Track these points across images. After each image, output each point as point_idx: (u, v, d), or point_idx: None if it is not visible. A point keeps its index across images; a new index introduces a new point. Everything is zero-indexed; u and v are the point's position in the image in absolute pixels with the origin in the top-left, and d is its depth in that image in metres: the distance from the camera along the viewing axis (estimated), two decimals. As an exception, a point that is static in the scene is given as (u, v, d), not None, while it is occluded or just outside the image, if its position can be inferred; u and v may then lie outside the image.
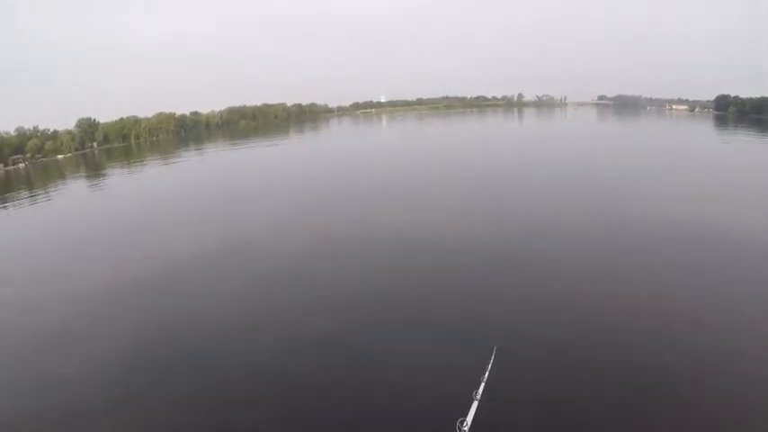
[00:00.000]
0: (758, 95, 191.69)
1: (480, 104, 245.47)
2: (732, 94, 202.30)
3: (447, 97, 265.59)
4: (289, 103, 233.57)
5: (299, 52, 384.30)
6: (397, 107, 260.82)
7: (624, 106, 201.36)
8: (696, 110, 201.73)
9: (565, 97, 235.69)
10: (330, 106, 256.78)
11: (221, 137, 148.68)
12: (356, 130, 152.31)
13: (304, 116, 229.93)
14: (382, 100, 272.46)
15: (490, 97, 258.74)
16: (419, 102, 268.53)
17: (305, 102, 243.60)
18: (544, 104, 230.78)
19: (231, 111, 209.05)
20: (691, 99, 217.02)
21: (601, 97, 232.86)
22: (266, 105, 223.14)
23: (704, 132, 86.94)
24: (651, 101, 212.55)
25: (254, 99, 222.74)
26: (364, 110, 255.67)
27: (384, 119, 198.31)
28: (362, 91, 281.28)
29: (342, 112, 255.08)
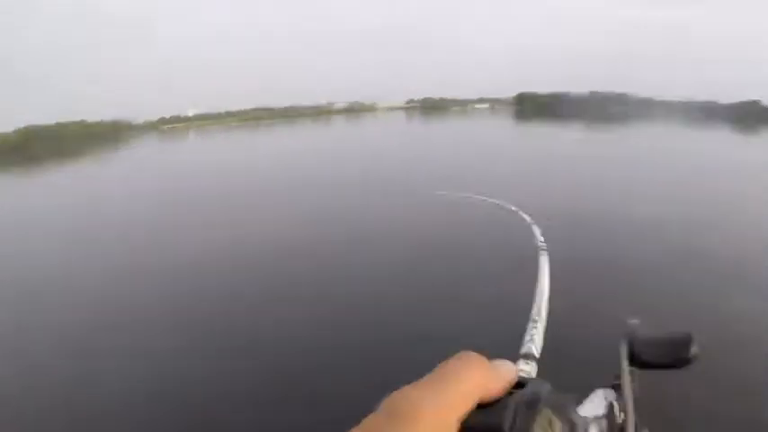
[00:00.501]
0: (553, 91, 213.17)
1: (290, 114, 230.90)
2: (530, 92, 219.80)
3: (256, 109, 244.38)
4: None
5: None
6: (206, 120, 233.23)
7: (432, 108, 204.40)
8: (497, 107, 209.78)
9: (375, 102, 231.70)
10: (134, 123, 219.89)
11: None
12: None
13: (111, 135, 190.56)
14: (190, 114, 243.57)
15: (300, 106, 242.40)
16: (228, 114, 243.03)
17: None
18: (354, 110, 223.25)
19: None
20: (493, 97, 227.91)
21: (409, 101, 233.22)
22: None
23: (497, 126, 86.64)
24: (456, 101, 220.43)
25: None
26: (171, 125, 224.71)
27: (191, 135, 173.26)
28: (170, 103, 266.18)
29: (145, 128, 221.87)
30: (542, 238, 2.14)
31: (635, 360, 0.94)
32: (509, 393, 0.47)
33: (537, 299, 1.43)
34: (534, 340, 1.16)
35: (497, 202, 3.50)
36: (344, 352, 8.49)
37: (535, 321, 1.24)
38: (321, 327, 9.89)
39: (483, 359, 0.46)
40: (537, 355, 1.08)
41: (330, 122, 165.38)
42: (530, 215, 2.69)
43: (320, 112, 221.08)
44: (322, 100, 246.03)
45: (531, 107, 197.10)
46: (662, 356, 0.91)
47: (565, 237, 11.71)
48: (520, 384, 0.48)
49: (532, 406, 0.45)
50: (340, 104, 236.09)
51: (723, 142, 55.43)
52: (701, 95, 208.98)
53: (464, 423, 0.42)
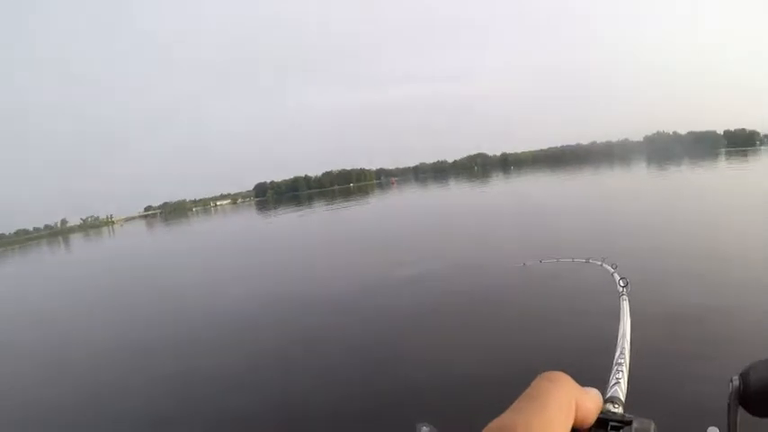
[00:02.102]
0: (290, 177, 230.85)
1: (21, 240, 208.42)
2: (269, 181, 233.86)
3: None
4: None
5: None
6: None
7: (171, 212, 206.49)
8: (239, 201, 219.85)
9: (111, 215, 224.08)
10: None
11: None
12: None
13: None
14: None
15: (32, 229, 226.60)
16: None
17: None
18: (90, 226, 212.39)
19: None
20: (233, 192, 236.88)
21: (147, 208, 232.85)
22: None
23: (248, 217, 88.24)
24: (196, 202, 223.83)
25: None
26: None
27: None
28: None
29: None
30: (623, 284, 2.19)
31: (747, 404, 0.80)
32: (603, 427, 0.44)
33: (620, 342, 1.40)
34: (620, 384, 1.12)
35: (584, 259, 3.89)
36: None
37: (619, 365, 1.20)
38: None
39: (572, 380, 0.43)
40: (623, 399, 1.03)
41: (66, 242, 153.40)
42: (612, 264, 2.82)
43: (54, 233, 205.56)
44: (54, 219, 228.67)
45: (273, 195, 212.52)
46: None
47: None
48: (619, 423, 0.45)
49: None
50: (74, 222, 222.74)
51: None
52: (433, 157, 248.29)
53: None
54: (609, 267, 3.18)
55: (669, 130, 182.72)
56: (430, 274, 15.10)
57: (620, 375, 1.17)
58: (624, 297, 2.04)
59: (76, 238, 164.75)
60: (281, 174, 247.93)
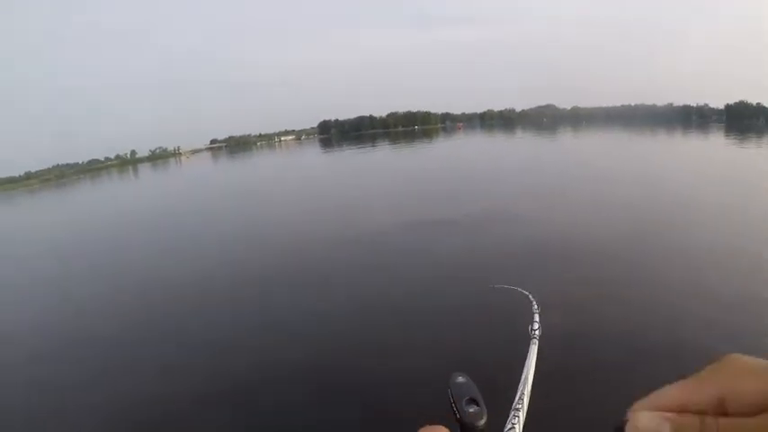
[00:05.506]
0: (354, 116, 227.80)
1: (94, 168, 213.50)
2: (333, 119, 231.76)
3: (58, 166, 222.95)
4: None
5: None
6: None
7: (236, 146, 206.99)
8: (303, 137, 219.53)
9: (178, 147, 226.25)
10: None
11: None
12: None
13: None
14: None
15: (103, 159, 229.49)
16: (28, 176, 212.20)
17: None
18: (158, 157, 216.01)
19: None
20: (297, 129, 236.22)
21: (213, 141, 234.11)
22: None
23: (311, 154, 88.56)
24: (261, 137, 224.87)
25: None
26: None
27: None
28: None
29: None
30: (537, 326, 2.08)
31: None
32: None
33: (520, 388, 1.35)
34: (515, 429, 1.09)
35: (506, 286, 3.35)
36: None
37: (517, 410, 1.15)
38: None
39: None
40: None
41: (136, 172, 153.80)
42: (536, 299, 2.51)
43: (125, 163, 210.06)
44: (124, 149, 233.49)
45: (337, 133, 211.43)
46: None
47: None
48: None
49: None
50: (143, 153, 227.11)
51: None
52: (501, 104, 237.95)
53: None
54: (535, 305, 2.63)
55: (753, 100, 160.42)
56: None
57: (516, 421, 1.14)
58: (534, 341, 1.93)
59: (145, 168, 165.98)
60: (345, 113, 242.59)
